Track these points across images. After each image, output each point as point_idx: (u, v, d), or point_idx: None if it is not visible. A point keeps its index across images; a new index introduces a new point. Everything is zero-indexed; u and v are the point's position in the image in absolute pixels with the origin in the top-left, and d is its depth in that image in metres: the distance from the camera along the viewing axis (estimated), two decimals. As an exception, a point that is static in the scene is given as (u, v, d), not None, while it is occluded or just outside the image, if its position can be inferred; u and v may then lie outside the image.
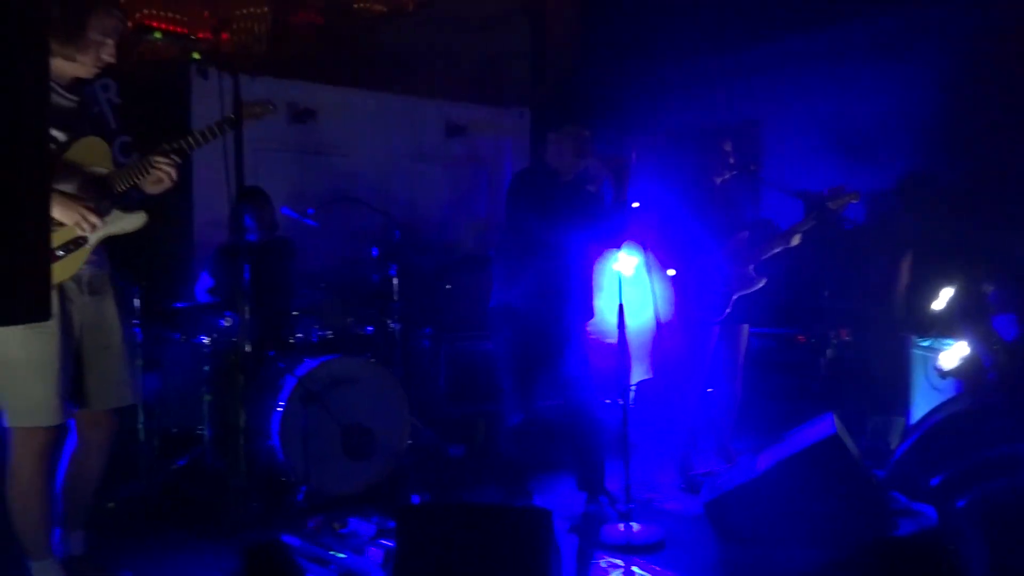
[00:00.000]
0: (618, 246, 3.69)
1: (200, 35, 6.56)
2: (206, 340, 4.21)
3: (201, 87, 5.59)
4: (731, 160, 4.29)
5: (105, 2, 2.63)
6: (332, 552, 3.30)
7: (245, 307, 2.86)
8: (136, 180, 2.78)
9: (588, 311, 3.82)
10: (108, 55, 2.69)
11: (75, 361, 2.73)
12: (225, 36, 6.57)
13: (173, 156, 2.79)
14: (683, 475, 4.27)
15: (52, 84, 2.60)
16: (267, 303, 4.52)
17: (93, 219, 2.65)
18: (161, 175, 2.79)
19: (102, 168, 2.76)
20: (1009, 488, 2.86)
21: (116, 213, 2.77)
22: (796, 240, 4.16)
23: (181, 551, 3.45)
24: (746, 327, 4.37)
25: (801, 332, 4.97)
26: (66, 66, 2.64)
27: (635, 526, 3.49)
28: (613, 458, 3.84)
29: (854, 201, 4.17)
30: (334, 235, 5.38)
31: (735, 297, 4.16)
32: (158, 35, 2.97)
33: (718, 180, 4.29)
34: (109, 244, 2.88)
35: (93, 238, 2.72)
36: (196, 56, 2.84)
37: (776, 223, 4.62)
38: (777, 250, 4.18)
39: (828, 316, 4.63)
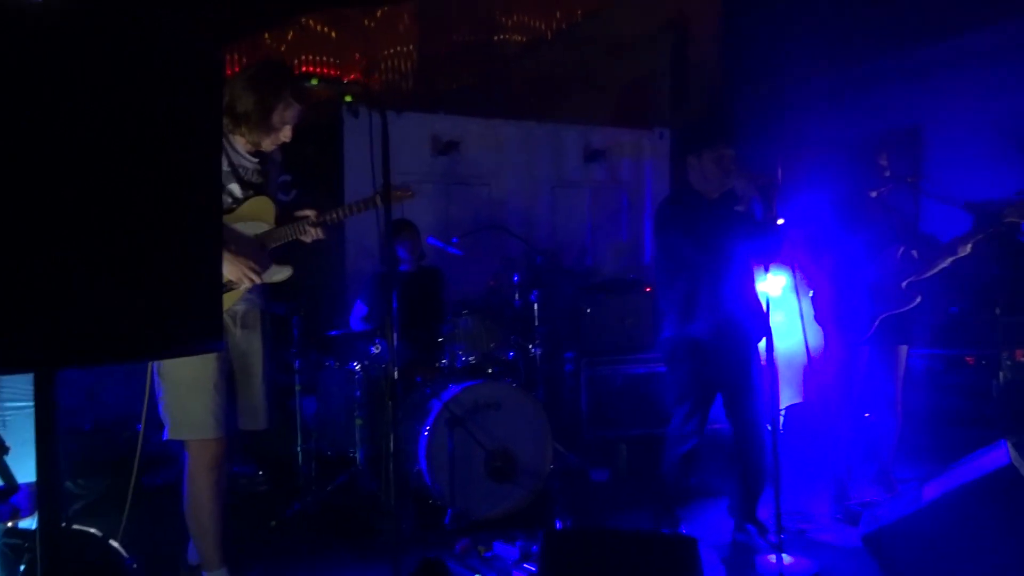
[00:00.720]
0: (766, 266, 3.57)
1: (352, 75, 6.97)
2: (357, 366, 4.42)
3: (352, 125, 5.93)
4: (887, 173, 4.06)
5: (289, 96, 2.94)
6: (478, 575, 3.37)
7: (392, 334, 3.00)
8: (288, 241, 3.11)
9: (764, 330, 3.61)
10: (286, 137, 3.03)
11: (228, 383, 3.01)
12: (375, 75, 6.95)
13: (320, 229, 3.13)
14: (839, 505, 4.05)
15: (237, 149, 3.00)
16: (416, 330, 4.69)
17: (254, 277, 2.97)
18: (310, 239, 3.15)
19: (265, 222, 3.07)
20: None
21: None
22: (964, 251, 3.85)
23: (337, 568, 3.62)
24: (905, 348, 4.10)
25: (969, 352, 4.60)
26: (250, 144, 3.01)
27: (787, 558, 3.34)
28: (764, 486, 3.71)
29: None
30: (478, 262, 5.53)
31: (884, 316, 3.92)
32: (315, 82, 3.23)
33: (873, 194, 4.08)
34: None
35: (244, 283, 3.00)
36: (349, 99, 3.07)
37: (937, 237, 4.32)
38: (944, 265, 3.90)
39: (1000, 335, 4.27)
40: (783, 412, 5.02)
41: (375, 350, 4.43)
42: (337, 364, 4.62)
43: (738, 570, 3.46)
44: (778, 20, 6.75)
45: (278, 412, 4.51)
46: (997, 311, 4.18)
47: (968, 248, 3.83)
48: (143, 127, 1.30)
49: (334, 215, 3.17)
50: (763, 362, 3.68)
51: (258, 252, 3.01)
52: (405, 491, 4.10)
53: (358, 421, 4.38)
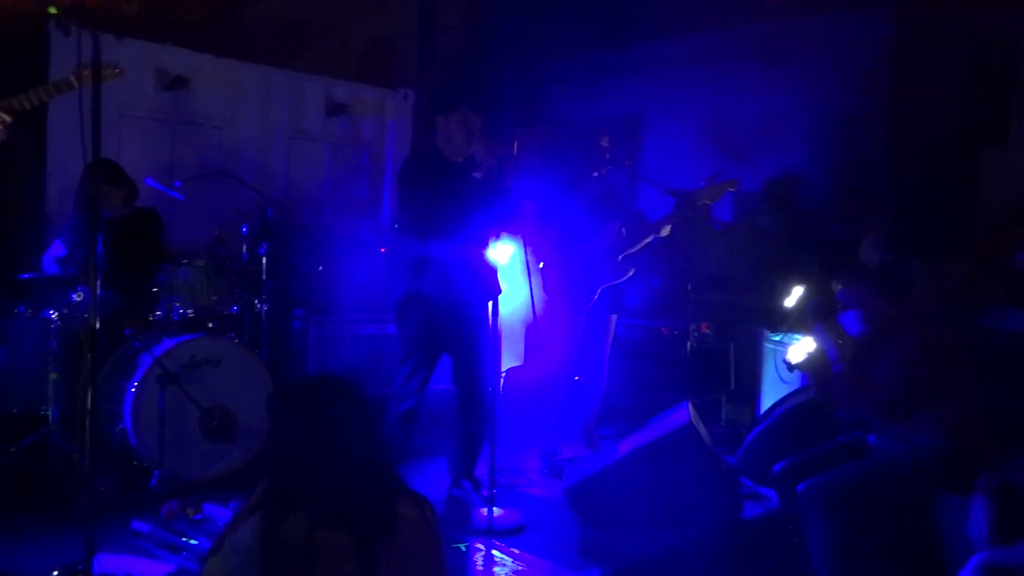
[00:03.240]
0: (497, 234, 3.71)
1: (63, -11, 6.15)
2: (54, 315, 3.97)
3: (61, 44, 5.21)
4: (607, 155, 4.39)
5: None
6: (185, 539, 3.19)
7: (96, 280, 2.72)
8: None
9: (492, 294, 3.70)
10: None
11: None
12: (91, -8, 6.19)
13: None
14: (547, 460, 4.36)
15: None
16: (126, 277, 4.30)
17: None
18: None
19: None
20: (844, 474, 3.08)
21: None
22: (665, 231, 4.29)
23: (19, 537, 3.26)
24: (614, 317, 4.49)
25: (665, 324, 5.17)
26: None
27: (497, 511, 3.53)
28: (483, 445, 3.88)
29: (731, 189, 4.32)
30: (203, 210, 5.18)
31: (602, 287, 4.26)
32: (7, -21, 2.80)
33: (595, 173, 4.39)
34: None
35: None
36: (54, 11, 2.71)
37: (647, 216, 4.76)
38: (648, 240, 4.31)
39: (690, 309, 4.83)
40: (504, 374, 5.29)
41: (76, 297, 4.00)
42: (29, 311, 4.10)
43: (452, 524, 3.60)
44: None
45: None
46: (689, 287, 4.71)
47: (668, 228, 4.28)
48: None
49: (17, 102, 2.82)
50: (489, 326, 3.83)
51: None
52: (106, 452, 3.78)
53: (53, 375, 3.94)
